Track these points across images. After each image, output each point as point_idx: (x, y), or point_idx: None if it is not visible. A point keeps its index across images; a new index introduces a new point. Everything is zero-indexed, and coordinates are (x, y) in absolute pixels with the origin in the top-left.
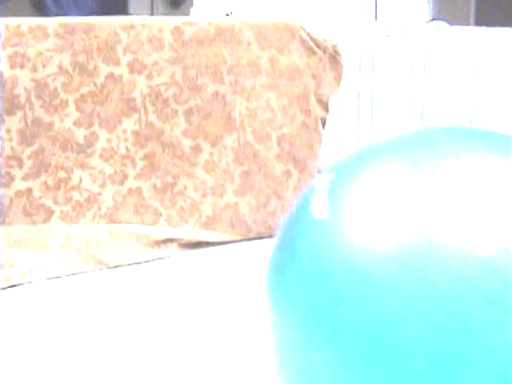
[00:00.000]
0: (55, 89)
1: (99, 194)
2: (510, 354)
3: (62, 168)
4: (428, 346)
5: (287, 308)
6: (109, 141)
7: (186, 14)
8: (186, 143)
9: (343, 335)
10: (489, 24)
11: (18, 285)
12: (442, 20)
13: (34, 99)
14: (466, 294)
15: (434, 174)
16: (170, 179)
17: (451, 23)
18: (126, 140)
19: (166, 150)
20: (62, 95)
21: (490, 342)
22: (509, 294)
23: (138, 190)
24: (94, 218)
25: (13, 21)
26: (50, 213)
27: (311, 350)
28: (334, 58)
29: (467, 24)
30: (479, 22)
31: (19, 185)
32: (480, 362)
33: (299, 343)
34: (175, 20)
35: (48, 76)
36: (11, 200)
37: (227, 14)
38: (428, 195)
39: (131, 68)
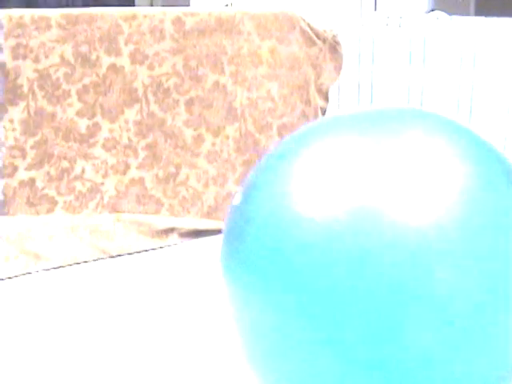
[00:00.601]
0: (58, 79)
1: (102, 183)
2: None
3: (65, 158)
4: (361, 301)
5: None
6: (111, 131)
7: (187, 4)
8: (188, 133)
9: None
10: (488, 14)
11: (23, 275)
12: (442, 10)
13: (36, 90)
14: (396, 260)
15: (380, 144)
16: (172, 169)
17: (450, 13)
18: (128, 130)
19: (168, 140)
20: (65, 86)
21: (417, 301)
22: (437, 260)
23: (141, 180)
24: (96, 207)
25: (15, 12)
26: (54, 203)
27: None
28: (333, 48)
29: (467, 14)
30: (479, 12)
31: (22, 175)
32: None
33: (240, 296)
34: (176, 10)
35: (50, 66)
36: (15, 190)
37: (226, 5)
38: (369, 166)
39: (133, 58)
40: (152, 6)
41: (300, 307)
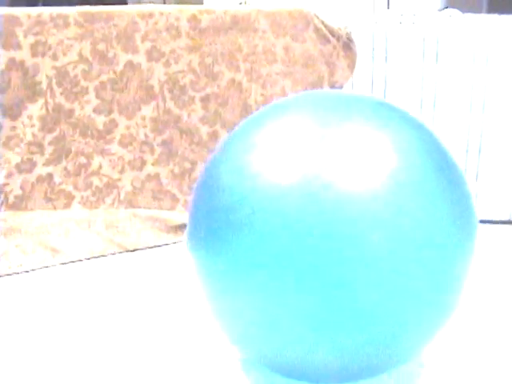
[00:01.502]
0: (75, 76)
1: (118, 179)
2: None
3: (83, 154)
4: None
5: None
6: (128, 127)
7: (200, 2)
8: (204, 130)
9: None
10: (501, 11)
11: (40, 269)
12: (455, 8)
13: (55, 86)
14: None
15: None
16: (187, 165)
17: (463, 11)
18: (144, 127)
19: (184, 137)
20: (83, 83)
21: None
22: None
23: (156, 176)
24: (113, 203)
25: (34, 10)
26: (71, 198)
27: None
28: (347, 45)
29: (480, 11)
30: (492, 10)
31: (40, 170)
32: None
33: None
34: (192, 8)
35: (68, 64)
36: (33, 186)
37: (240, 3)
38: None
39: (149, 56)
40: (165, 3)
41: (261, 268)
